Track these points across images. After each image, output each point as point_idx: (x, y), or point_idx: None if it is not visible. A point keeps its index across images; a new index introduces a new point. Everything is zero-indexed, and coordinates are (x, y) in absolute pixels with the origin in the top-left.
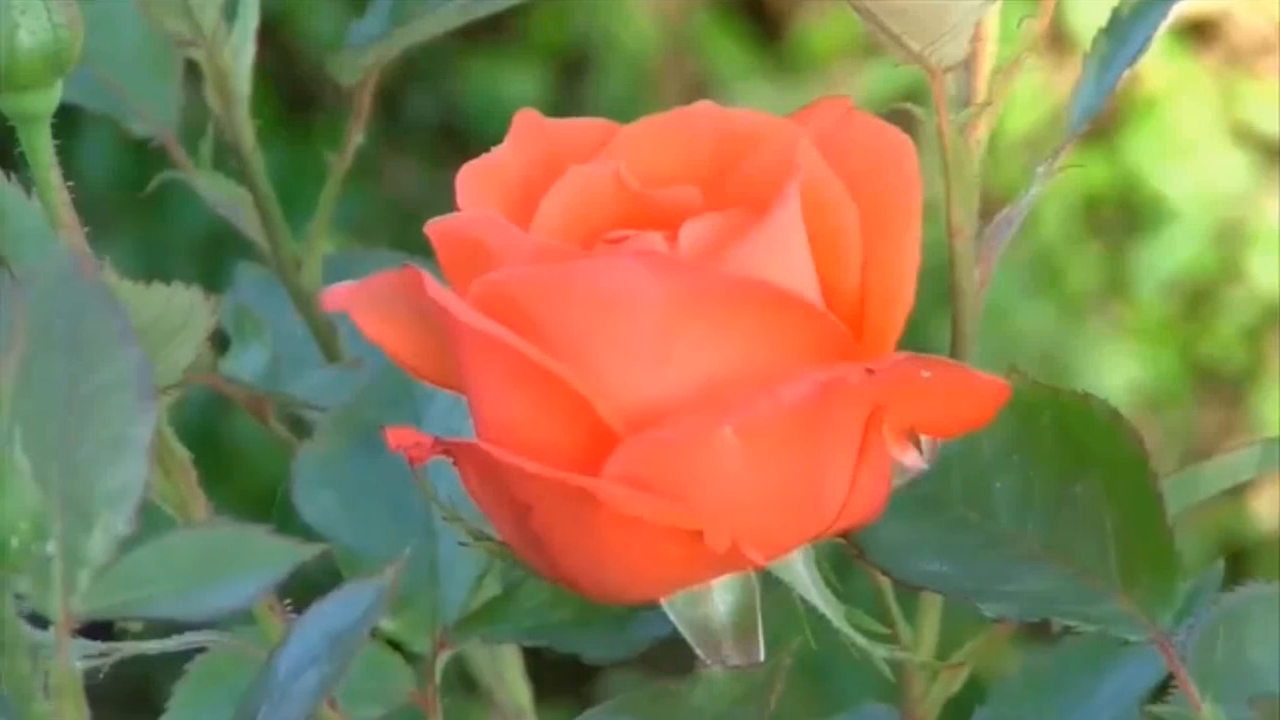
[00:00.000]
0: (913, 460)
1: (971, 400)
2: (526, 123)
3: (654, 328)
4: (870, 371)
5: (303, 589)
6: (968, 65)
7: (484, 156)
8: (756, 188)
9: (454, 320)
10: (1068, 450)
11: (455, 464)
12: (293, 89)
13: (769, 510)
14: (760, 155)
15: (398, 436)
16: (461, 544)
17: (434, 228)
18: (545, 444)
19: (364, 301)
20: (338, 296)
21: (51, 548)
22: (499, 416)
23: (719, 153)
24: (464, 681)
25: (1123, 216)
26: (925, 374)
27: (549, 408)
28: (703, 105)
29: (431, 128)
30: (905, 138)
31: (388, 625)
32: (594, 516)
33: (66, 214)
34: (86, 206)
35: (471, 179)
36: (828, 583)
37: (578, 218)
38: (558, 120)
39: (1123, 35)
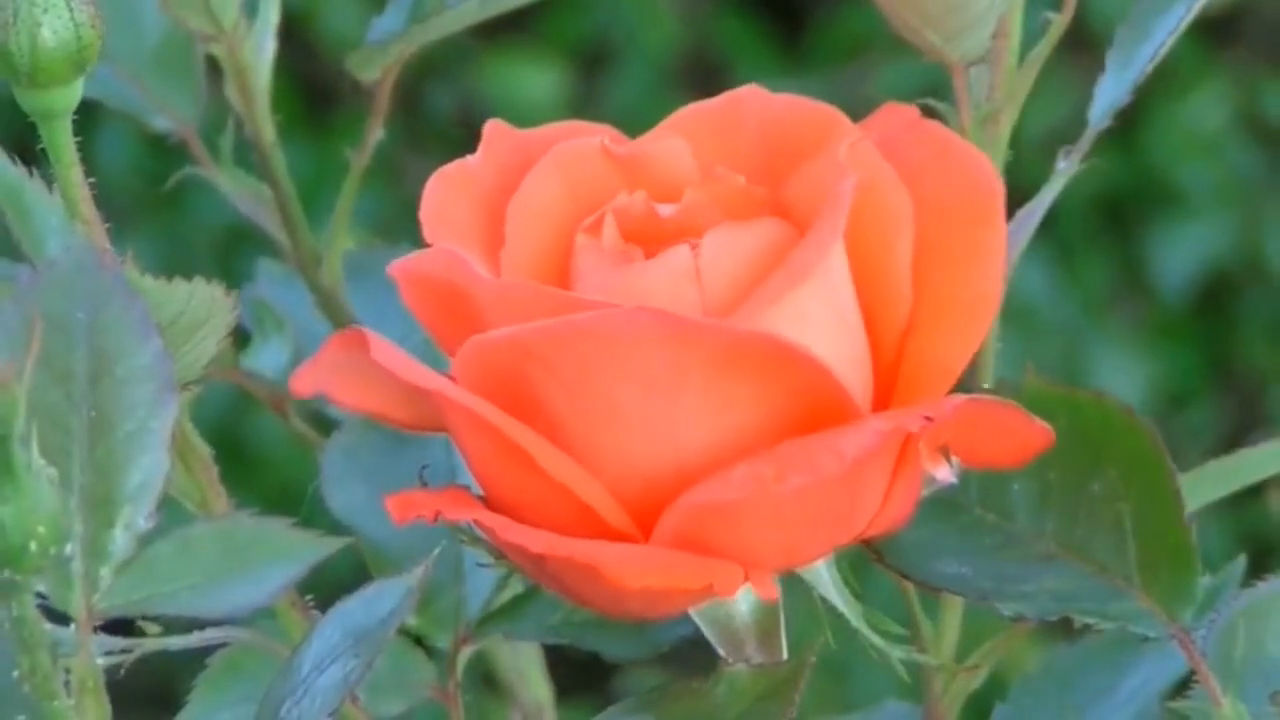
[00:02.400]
0: (944, 474)
1: (1016, 442)
2: (496, 132)
3: (659, 386)
4: (929, 419)
5: (327, 586)
6: (989, 61)
7: (454, 164)
8: (808, 192)
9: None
10: (1084, 449)
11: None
12: (314, 85)
13: (802, 537)
14: (815, 162)
15: (399, 507)
16: (481, 565)
17: (399, 268)
18: (542, 497)
19: (332, 375)
20: (305, 381)
21: (70, 548)
22: (491, 472)
23: (765, 142)
24: (485, 678)
25: (1142, 211)
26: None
27: (539, 474)
28: (749, 90)
29: (452, 124)
30: (983, 157)
31: (410, 621)
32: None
33: (88, 210)
34: (107, 202)
35: (440, 187)
36: (846, 583)
37: (567, 195)
38: (528, 130)
39: (1144, 32)
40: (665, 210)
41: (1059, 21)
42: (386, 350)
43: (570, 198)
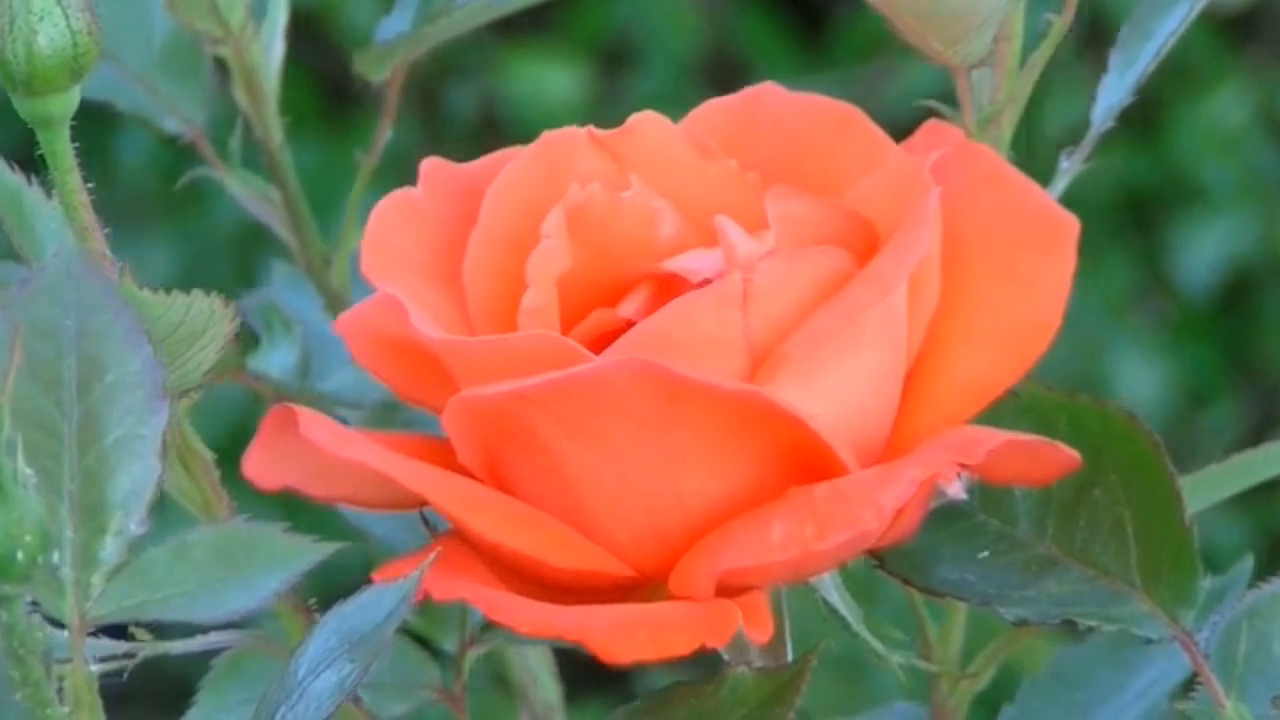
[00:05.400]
0: (955, 490)
1: (1042, 468)
2: (435, 168)
3: (654, 432)
4: (964, 466)
5: (332, 588)
6: (991, 64)
7: (398, 194)
8: (881, 200)
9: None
10: (1085, 454)
11: None
12: (331, 82)
13: (819, 565)
14: (886, 169)
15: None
16: None
17: (345, 323)
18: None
19: (295, 466)
20: (265, 474)
21: (59, 556)
22: (470, 534)
23: (782, 139)
24: (496, 678)
25: (1164, 209)
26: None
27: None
28: (767, 87)
29: (471, 123)
30: (1038, 188)
31: (415, 623)
32: None
33: (87, 217)
34: (124, 203)
35: (385, 218)
36: (848, 588)
37: (546, 183)
38: (467, 164)
39: (1147, 32)
40: (626, 195)
41: (1060, 23)
42: (321, 426)
43: (549, 186)
